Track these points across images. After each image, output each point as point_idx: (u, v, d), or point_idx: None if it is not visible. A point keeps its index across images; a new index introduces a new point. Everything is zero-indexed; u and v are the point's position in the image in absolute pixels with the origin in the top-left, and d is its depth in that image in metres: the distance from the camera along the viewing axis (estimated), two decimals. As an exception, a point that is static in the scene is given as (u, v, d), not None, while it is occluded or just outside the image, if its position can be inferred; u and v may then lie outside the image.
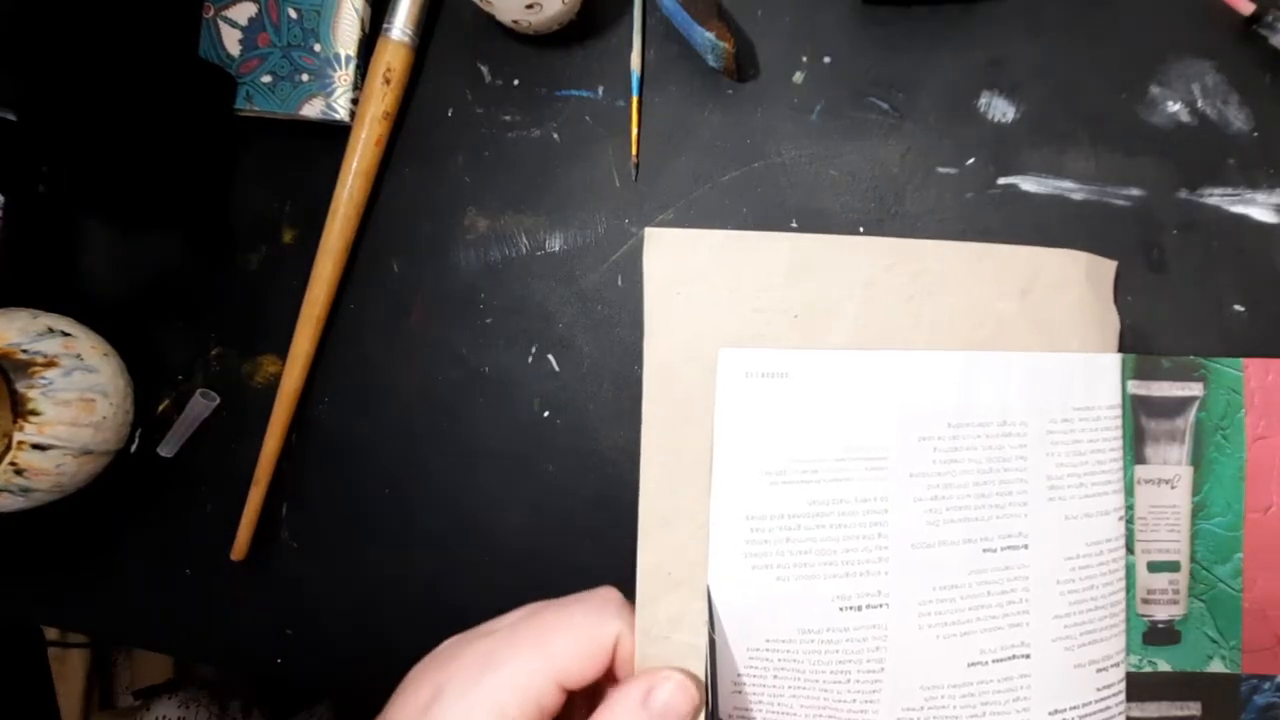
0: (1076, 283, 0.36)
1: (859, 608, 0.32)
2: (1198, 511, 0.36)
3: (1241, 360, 0.36)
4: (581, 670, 0.28)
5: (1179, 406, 0.36)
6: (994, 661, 0.33)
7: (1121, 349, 0.37)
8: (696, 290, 0.33)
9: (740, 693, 0.33)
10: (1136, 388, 0.36)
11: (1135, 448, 0.36)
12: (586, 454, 0.41)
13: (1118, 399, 0.36)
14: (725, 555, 0.32)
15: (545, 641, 0.28)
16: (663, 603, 0.31)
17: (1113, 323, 0.37)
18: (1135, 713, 0.36)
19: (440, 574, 0.42)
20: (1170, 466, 0.36)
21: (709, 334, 0.32)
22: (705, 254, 0.33)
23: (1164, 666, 0.36)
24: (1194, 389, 0.36)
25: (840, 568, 0.32)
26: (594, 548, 0.41)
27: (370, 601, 0.43)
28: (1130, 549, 0.36)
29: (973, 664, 0.33)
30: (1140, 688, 0.36)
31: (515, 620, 0.30)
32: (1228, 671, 0.36)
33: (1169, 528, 0.36)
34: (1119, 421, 0.36)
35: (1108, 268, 0.37)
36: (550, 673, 0.28)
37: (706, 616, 0.32)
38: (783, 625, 0.32)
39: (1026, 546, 0.34)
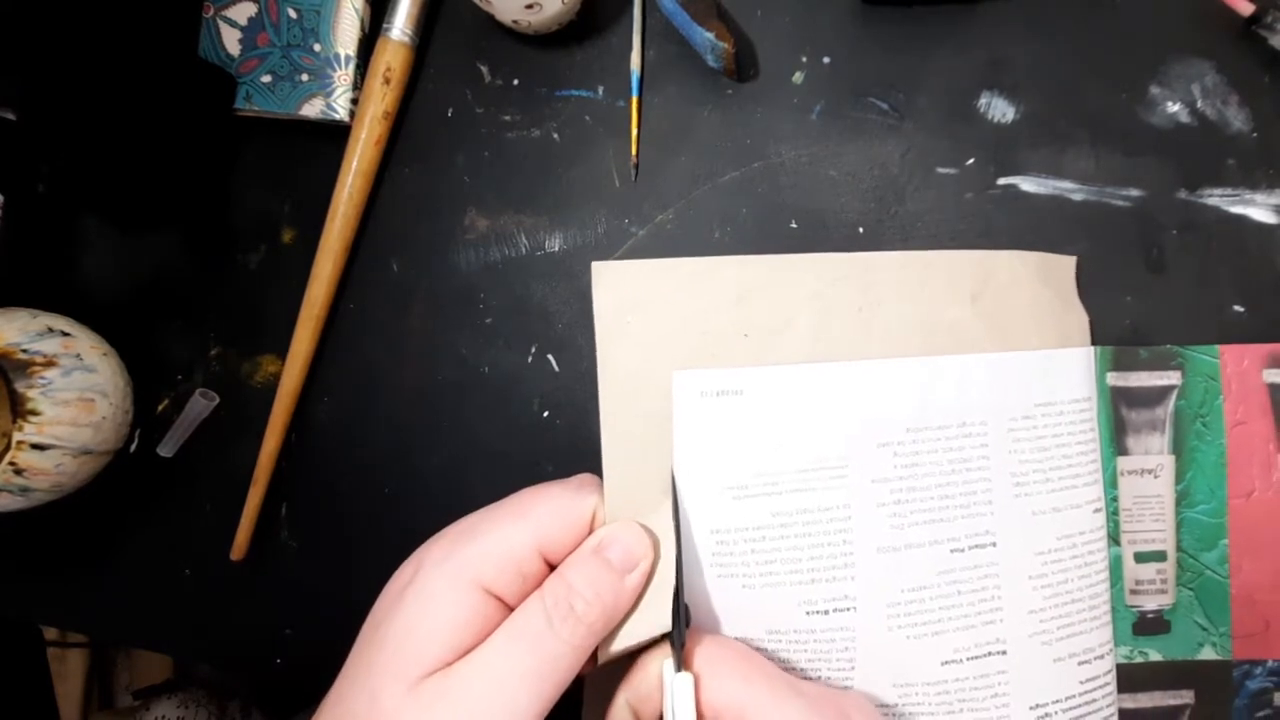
0: (1029, 282, 0.36)
1: (825, 611, 0.33)
2: (1181, 500, 0.37)
3: (1217, 347, 0.37)
4: (562, 538, 0.28)
5: (1158, 396, 0.37)
6: (969, 659, 0.34)
7: (1102, 343, 0.37)
8: (646, 318, 0.33)
9: None
10: (1115, 379, 0.37)
11: (1117, 439, 0.37)
12: (586, 454, 0.41)
13: (1086, 392, 0.36)
14: (691, 567, 0.33)
15: (525, 511, 0.29)
16: (629, 624, 0.30)
17: (1077, 318, 0.37)
18: (1128, 704, 0.36)
19: (440, 574, 0.42)
20: (1152, 456, 0.37)
21: (662, 359, 0.33)
22: (653, 283, 0.33)
23: (1155, 656, 0.36)
24: (1172, 378, 0.37)
25: (805, 575, 0.33)
26: (594, 548, 0.41)
27: (370, 602, 0.42)
28: (1116, 540, 0.36)
29: (946, 662, 0.34)
30: (1132, 679, 0.36)
31: (498, 502, 0.31)
32: (1219, 658, 0.36)
33: (1154, 517, 0.37)
34: (1090, 414, 0.36)
35: (1065, 264, 0.37)
36: (530, 540, 0.28)
37: (670, 503, 0.31)
38: (753, 627, 0.33)
39: (995, 544, 0.34)
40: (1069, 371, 0.36)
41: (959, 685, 0.34)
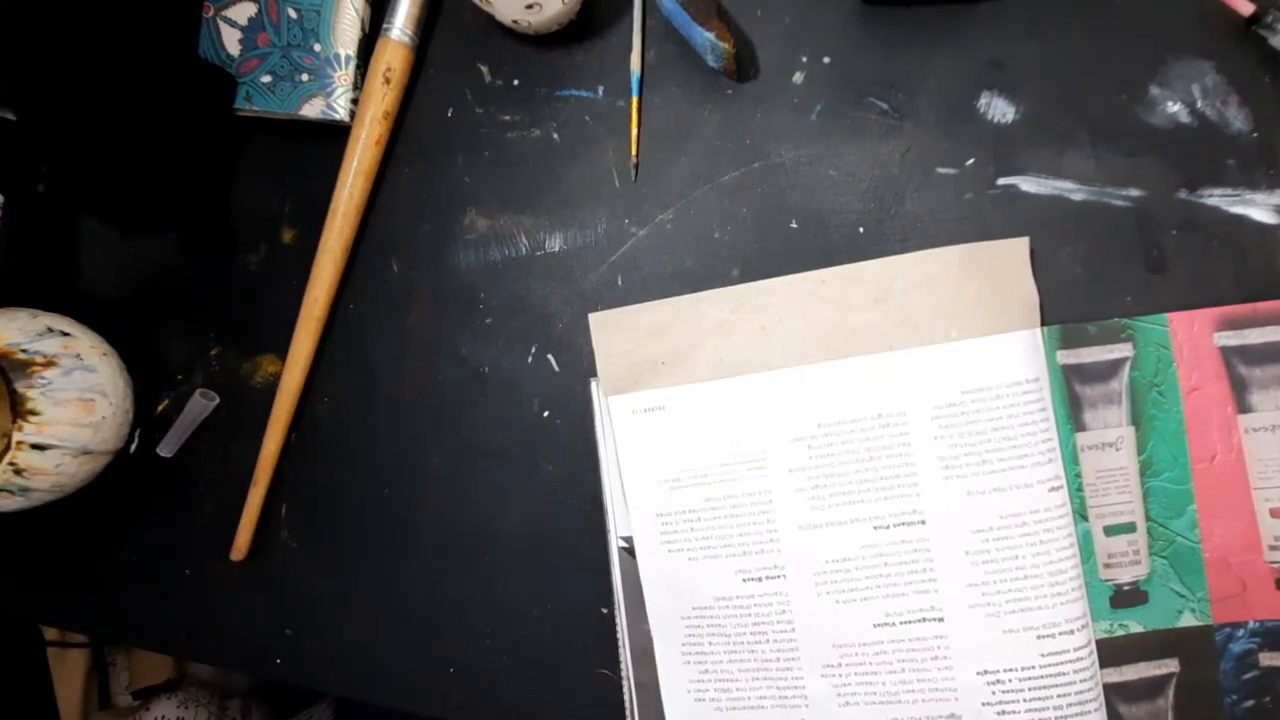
0: (947, 277, 0.37)
1: (759, 578, 0.39)
2: (1145, 470, 0.37)
3: (1166, 315, 0.37)
4: None
5: (1111, 369, 0.37)
6: (902, 623, 0.37)
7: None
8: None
9: (689, 664, 0.40)
10: (1065, 357, 0.37)
11: (1073, 416, 0.37)
12: (586, 454, 0.41)
13: (1032, 373, 0.37)
14: (645, 543, 0.40)
15: None
16: None
17: (1020, 301, 0.37)
18: (1113, 677, 0.36)
19: (440, 573, 0.42)
20: (1111, 429, 0.37)
21: (605, 389, 0.40)
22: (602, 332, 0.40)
23: (1136, 628, 0.36)
24: (1123, 350, 0.37)
25: (738, 548, 0.39)
26: (592, 547, 0.41)
27: (370, 601, 0.43)
28: (1083, 516, 0.37)
29: (879, 625, 0.37)
30: (1115, 652, 0.36)
31: None
32: (1200, 624, 0.36)
33: (1119, 490, 0.37)
34: (1039, 394, 0.37)
35: (995, 251, 0.37)
36: None
37: None
38: (702, 594, 0.39)
39: (924, 522, 0.37)
40: (1007, 355, 0.37)
41: (895, 646, 0.37)
